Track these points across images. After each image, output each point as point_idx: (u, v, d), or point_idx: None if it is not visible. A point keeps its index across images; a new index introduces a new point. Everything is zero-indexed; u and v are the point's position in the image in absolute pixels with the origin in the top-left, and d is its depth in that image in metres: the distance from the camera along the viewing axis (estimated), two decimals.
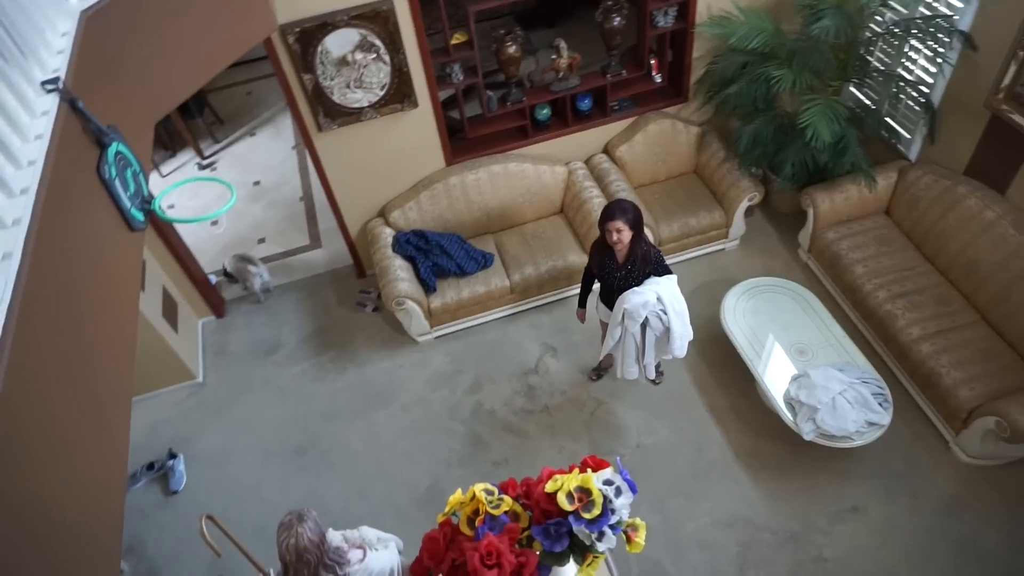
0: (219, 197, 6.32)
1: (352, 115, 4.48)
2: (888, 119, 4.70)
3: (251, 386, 4.93)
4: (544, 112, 5.08)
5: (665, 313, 3.57)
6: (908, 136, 4.64)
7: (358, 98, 4.41)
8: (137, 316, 2.29)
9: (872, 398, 3.77)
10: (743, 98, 4.69)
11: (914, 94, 4.35)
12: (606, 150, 5.32)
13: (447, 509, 1.72)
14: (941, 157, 4.44)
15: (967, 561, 3.60)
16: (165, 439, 4.66)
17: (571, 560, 1.59)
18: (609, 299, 3.78)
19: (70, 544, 1.65)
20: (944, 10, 4.07)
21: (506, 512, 1.63)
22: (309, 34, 4.05)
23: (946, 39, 4.00)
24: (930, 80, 4.31)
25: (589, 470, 1.62)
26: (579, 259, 4.81)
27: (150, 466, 4.46)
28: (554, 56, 4.78)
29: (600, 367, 4.60)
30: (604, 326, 4.01)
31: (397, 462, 4.39)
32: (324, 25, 4.03)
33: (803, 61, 4.30)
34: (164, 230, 4.77)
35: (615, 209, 3.48)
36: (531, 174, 4.99)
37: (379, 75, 4.34)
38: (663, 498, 4.03)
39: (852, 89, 4.85)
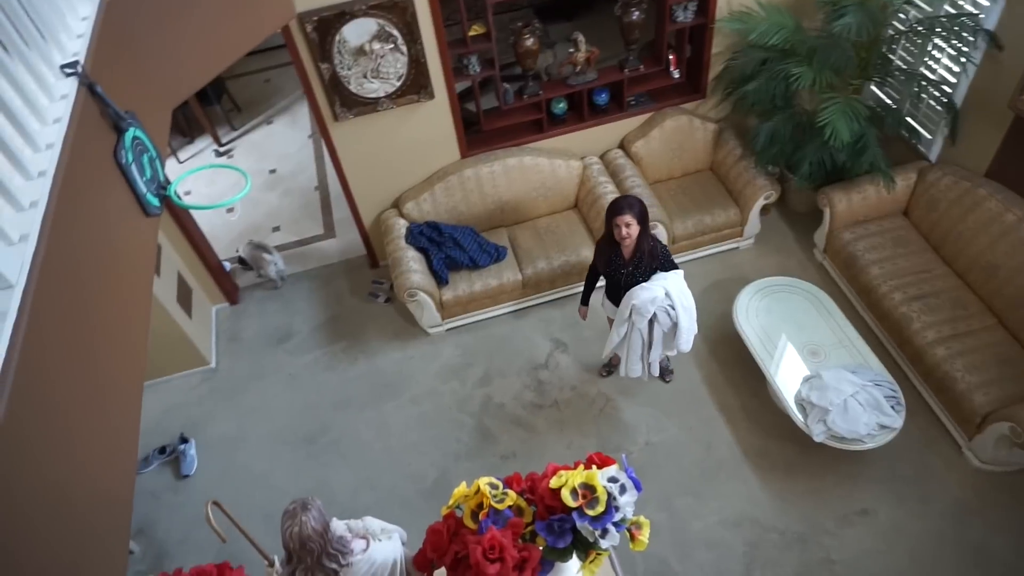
0: (235, 184, 6.36)
1: (368, 105, 4.49)
2: (909, 119, 4.63)
3: (263, 373, 4.97)
4: (560, 106, 5.06)
5: (673, 308, 3.56)
6: (929, 136, 4.58)
7: (375, 88, 4.41)
8: (151, 300, 2.31)
9: (884, 401, 3.74)
10: (761, 95, 4.64)
11: (936, 94, 4.29)
12: (622, 145, 5.29)
13: (451, 502, 1.72)
14: (962, 158, 4.37)
15: (976, 568, 3.56)
16: (177, 423, 4.71)
17: (574, 556, 1.59)
18: (615, 296, 3.76)
19: (81, 522, 1.67)
20: (970, 8, 4.00)
21: (510, 507, 1.63)
22: (327, 23, 4.05)
23: (971, 38, 3.93)
24: (953, 80, 4.25)
25: (594, 467, 1.61)
26: (592, 255, 4.79)
27: (162, 450, 4.51)
28: (572, 50, 4.75)
29: (610, 364, 4.59)
30: (612, 323, 4.00)
31: (405, 453, 4.41)
32: (342, 14, 4.03)
33: (823, 59, 4.25)
34: (180, 216, 4.80)
35: (622, 204, 3.47)
36: (546, 168, 4.97)
37: (396, 65, 4.34)
38: (671, 496, 4.02)
39: (873, 88, 4.79)
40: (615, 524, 1.49)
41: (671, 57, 4.96)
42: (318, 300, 5.40)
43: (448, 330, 5.01)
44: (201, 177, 6.44)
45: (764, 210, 5.04)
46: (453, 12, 4.29)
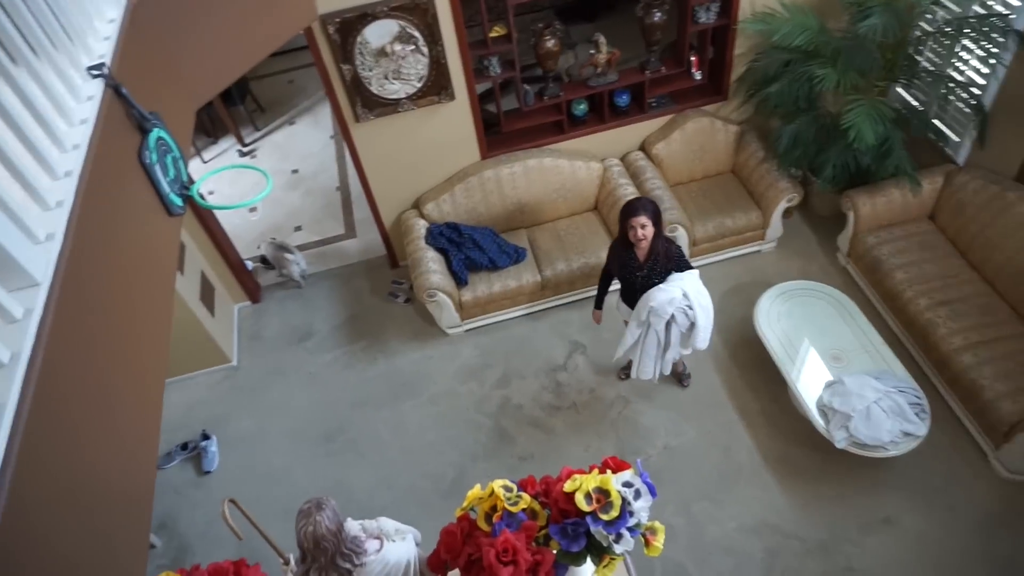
0: (257, 184, 6.43)
1: (389, 106, 4.51)
2: (936, 121, 4.56)
3: (283, 371, 5.02)
4: (581, 107, 5.04)
5: (691, 309, 3.54)
6: (956, 139, 4.50)
7: (396, 89, 4.44)
8: (173, 298, 2.34)
9: (909, 408, 3.68)
10: (784, 97, 4.59)
11: (964, 96, 4.21)
12: (643, 147, 5.26)
13: (465, 504, 1.72)
14: (991, 162, 4.29)
15: None
16: (199, 420, 4.77)
17: (588, 560, 1.58)
18: (631, 299, 3.74)
19: (101, 515, 1.69)
20: (1000, 9, 3.92)
21: (524, 509, 1.62)
22: (349, 24, 4.08)
23: (1001, 39, 3.86)
24: (982, 81, 4.17)
25: (609, 471, 1.60)
26: None
27: (184, 446, 4.57)
28: (593, 51, 4.74)
29: (628, 366, 4.56)
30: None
31: (423, 453, 4.42)
32: (364, 16, 4.06)
33: (848, 60, 4.19)
34: (204, 215, 4.87)
35: (637, 205, 3.46)
36: (566, 170, 4.96)
37: (417, 67, 4.36)
38: (689, 501, 3.99)
39: (899, 90, 4.71)
40: (629, 529, 1.48)
41: (693, 58, 4.92)
42: (338, 299, 5.44)
43: (467, 331, 5.02)
44: (224, 177, 6.52)
45: (786, 213, 4.98)
46: (474, 13, 4.29)
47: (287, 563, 2.41)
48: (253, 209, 6.31)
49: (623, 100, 5.05)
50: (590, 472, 1.60)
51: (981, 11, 4.01)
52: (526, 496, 1.63)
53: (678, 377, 4.45)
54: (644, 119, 5.12)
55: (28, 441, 1.39)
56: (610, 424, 4.40)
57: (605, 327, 4.74)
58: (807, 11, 4.44)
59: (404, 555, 2.28)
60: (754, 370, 4.49)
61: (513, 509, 1.58)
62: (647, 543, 1.54)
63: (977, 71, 4.20)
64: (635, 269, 3.60)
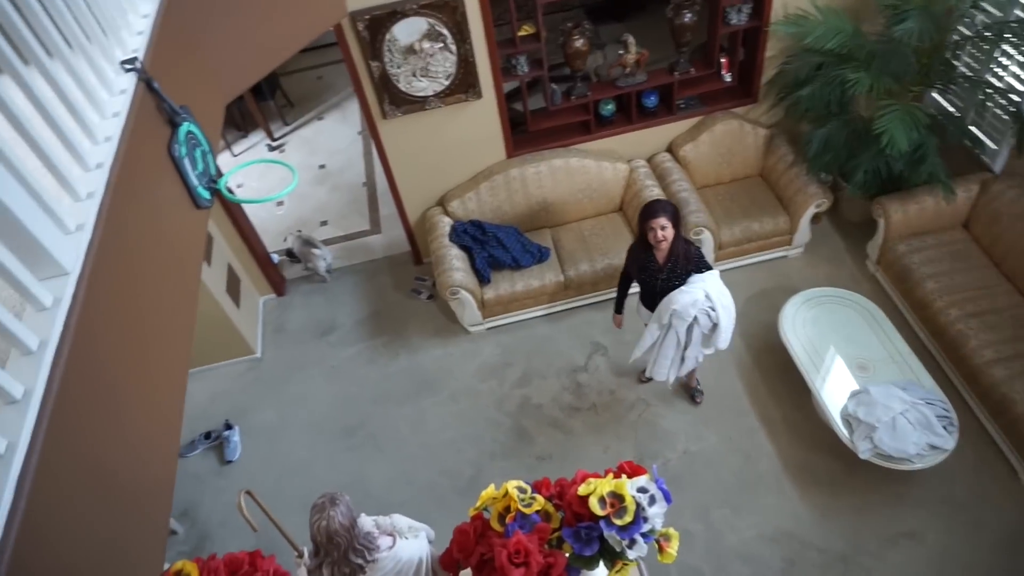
0: (284, 178, 6.50)
1: (417, 103, 4.53)
2: (972, 128, 4.45)
3: (306, 364, 5.07)
4: (608, 108, 5.02)
5: (714, 310, 3.50)
6: (993, 147, 4.39)
7: (423, 87, 4.45)
8: (198, 289, 2.37)
9: (936, 420, 3.60)
10: (816, 101, 4.52)
11: (1003, 102, 4.10)
12: (670, 149, 5.22)
13: (479, 504, 1.72)
14: None
15: None
16: (223, 410, 4.84)
17: (600, 565, 1.57)
18: (651, 302, 3.71)
19: (123, 500, 1.72)
20: None
21: (538, 511, 1.62)
22: (378, 21, 4.11)
23: None
24: (1021, 88, 4.06)
25: (624, 476, 1.59)
26: None
27: (207, 435, 4.64)
28: (622, 51, 4.71)
29: None
30: None
31: (442, 449, 4.44)
32: (393, 13, 4.08)
33: (882, 64, 4.11)
34: (232, 208, 4.93)
35: (656, 207, 3.43)
36: (592, 170, 4.94)
37: (445, 64, 4.37)
38: (708, 507, 3.95)
39: (935, 95, 4.61)
40: (643, 535, 1.47)
41: (723, 60, 4.87)
42: (362, 295, 5.48)
43: (488, 329, 5.03)
44: (252, 171, 6.61)
45: (815, 218, 4.91)
46: (503, 12, 4.29)
47: (301, 556, 2.44)
48: (280, 203, 6.38)
49: (651, 101, 5.02)
50: (605, 476, 1.59)
51: (1023, 15, 3.91)
52: (540, 498, 1.62)
53: (690, 393, 4.40)
54: (672, 120, 5.07)
55: (54, 426, 1.42)
56: (630, 426, 4.37)
57: (627, 329, 4.71)
58: (841, 14, 4.36)
59: (416, 552, 2.29)
60: (777, 377, 4.43)
61: (527, 511, 1.58)
62: (661, 549, 1.52)
63: (1017, 77, 4.09)
64: (655, 271, 3.58)
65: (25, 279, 1.48)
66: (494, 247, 4.81)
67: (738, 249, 4.96)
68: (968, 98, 4.36)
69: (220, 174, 2.56)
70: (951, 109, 4.56)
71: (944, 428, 3.60)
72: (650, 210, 3.44)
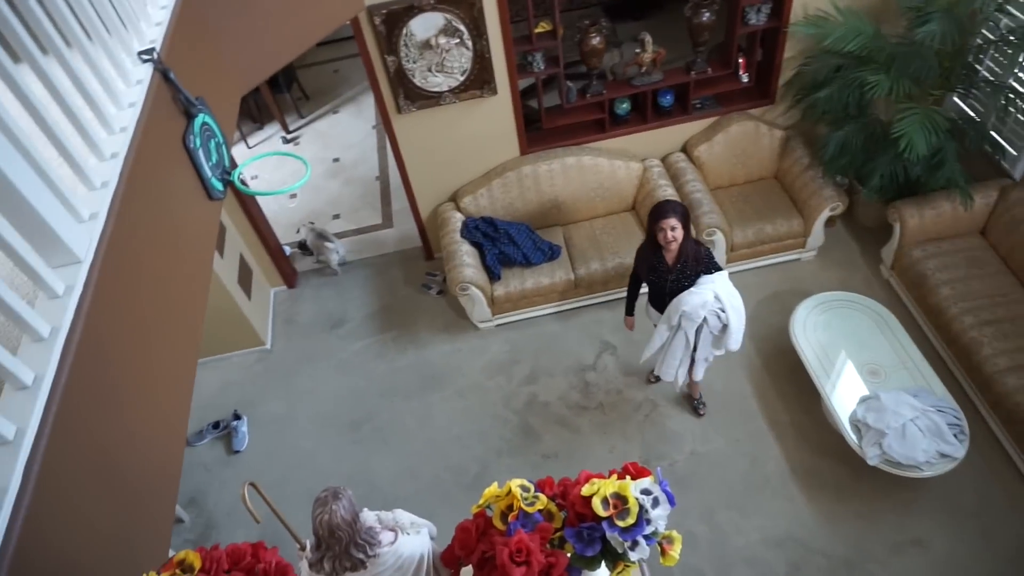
0: (298, 171, 6.53)
1: (431, 99, 4.53)
2: (993, 133, 4.39)
3: (315, 357, 5.09)
4: (624, 106, 5.00)
5: (724, 311, 3.48)
6: (1015, 153, 4.34)
7: (438, 82, 4.45)
8: (209, 280, 2.39)
9: (947, 428, 3.56)
10: (834, 103, 4.47)
11: None
12: (684, 149, 5.19)
13: (481, 501, 1.73)
14: None
15: None
16: (232, 400, 4.87)
17: (602, 566, 1.57)
18: (659, 303, 3.69)
19: (130, 487, 1.74)
20: None
21: (540, 511, 1.62)
22: (395, 16, 4.11)
23: None
24: None
25: (628, 477, 1.59)
26: None
27: (216, 425, 4.68)
28: (638, 50, 4.69)
29: None
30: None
31: (448, 445, 4.45)
32: (410, 8, 4.08)
33: (903, 67, 4.07)
34: (245, 200, 4.96)
35: (667, 207, 3.42)
36: (605, 169, 4.92)
37: (461, 60, 4.36)
38: (713, 509, 3.93)
39: (955, 99, 4.56)
40: (645, 537, 1.47)
41: (740, 60, 4.83)
42: (372, 289, 5.50)
43: (498, 326, 5.03)
44: (267, 163, 6.64)
45: (829, 222, 4.87)
46: (520, 8, 4.28)
47: (303, 549, 2.45)
48: (292, 195, 6.41)
49: (667, 100, 4.99)
50: (609, 477, 1.59)
51: None
52: (543, 497, 1.62)
53: (693, 405, 4.37)
54: (687, 120, 5.04)
55: (63, 412, 1.44)
56: (636, 427, 4.36)
57: (637, 329, 4.68)
58: (861, 15, 4.32)
59: (418, 548, 2.30)
60: (787, 380, 4.40)
61: (529, 509, 1.58)
62: (663, 552, 1.52)
63: None
64: (664, 272, 3.56)
65: (38, 266, 1.49)
66: (505, 244, 4.81)
67: (751, 251, 4.93)
68: (990, 103, 4.30)
69: (234, 165, 2.57)
70: (972, 114, 4.51)
71: (955, 436, 3.56)
72: (660, 211, 3.43)
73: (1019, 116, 4.15)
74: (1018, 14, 3.94)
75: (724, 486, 4.02)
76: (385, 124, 4.70)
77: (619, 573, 1.57)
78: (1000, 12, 3.91)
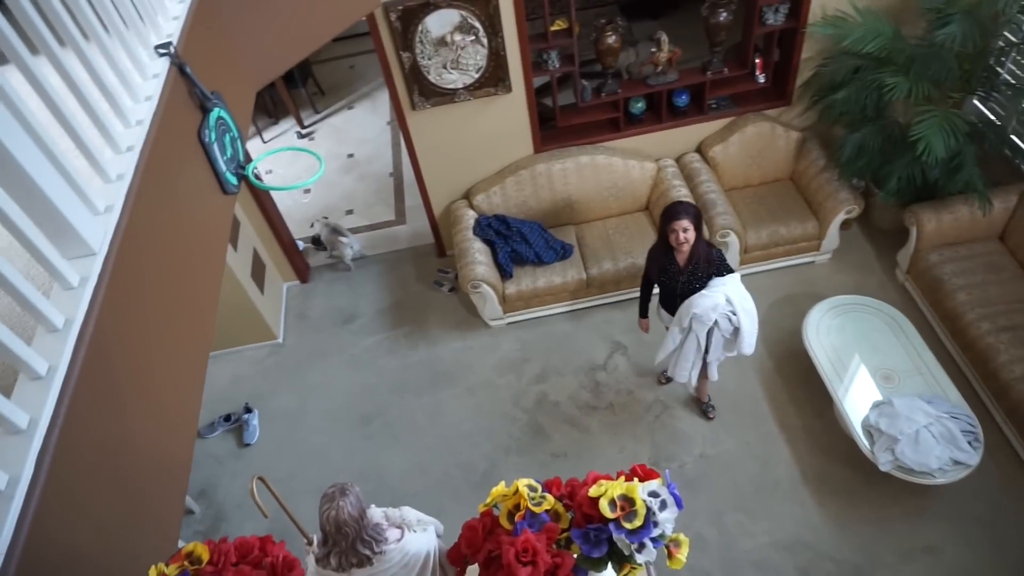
0: (312, 166, 6.55)
1: (446, 96, 4.53)
2: (1014, 137, 4.33)
3: (326, 352, 5.11)
4: (639, 106, 4.97)
5: (735, 314, 3.46)
6: None
7: (453, 79, 4.45)
8: (222, 274, 2.40)
9: (961, 435, 3.52)
10: (851, 105, 4.43)
11: None
12: (699, 149, 5.16)
13: (488, 500, 1.72)
14: None
15: None
16: (244, 393, 4.90)
17: (609, 567, 1.57)
18: (671, 304, 3.67)
19: (142, 477, 1.75)
20: None
21: (547, 511, 1.62)
22: (411, 12, 4.11)
23: None
24: None
25: (636, 479, 1.58)
26: None
27: (227, 417, 4.71)
28: (654, 49, 4.66)
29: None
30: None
31: (458, 442, 4.45)
32: (426, 4, 4.08)
33: (922, 69, 4.02)
34: (259, 194, 4.98)
35: (679, 209, 3.40)
36: (619, 168, 4.90)
37: (476, 57, 4.36)
38: (722, 512, 3.91)
39: (975, 102, 4.50)
40: (653, 540, 1.46)
41: (757, 61, 4.79)
42: (384, 285, 5.52)
43: (509, 324, 5.03)
44: (282, 157, 6.67)
45: (845, 225, 4.82)
46: (536, 6, 4.27)
47: (310, 543, 2.47)
48: (306, 191, 6.44)
49: (682, 100, 4.96)
50: (617, 478, 1.59)
51: None
52: (550, 497, 1.62)
53: (702, 408, 4.34)
54: (703, 120, 5.01)
55: (75, 403, 1.45)
56: (647, 427, 4.35)
57: (650, 330, 4.69)
58: (881, 16, 4.27)
59: (424, 546, 2.30)
60: (799, 384, 4.37)
61: (536, 509, 1.58)
62: (670, 555, 1.51)
63: None
64: (676, 274, 3.54)
65: (53, 258, 1.50)
66: (517, 242, 4.81)
67: (764, 253, 4.90)
68: (1011, 106, 4.25)
69: (249, 160, 2.58)
70: (992, 117, 4.45)
71: (969, 443, 3.52)
72: (672, 212, 3.41)
73: None
74: None
75: (733, 489, 4.00)
76: (400, 120, 4.71)
77: (626, 575, 1.56)
78: (1023, 14, 3.85)
